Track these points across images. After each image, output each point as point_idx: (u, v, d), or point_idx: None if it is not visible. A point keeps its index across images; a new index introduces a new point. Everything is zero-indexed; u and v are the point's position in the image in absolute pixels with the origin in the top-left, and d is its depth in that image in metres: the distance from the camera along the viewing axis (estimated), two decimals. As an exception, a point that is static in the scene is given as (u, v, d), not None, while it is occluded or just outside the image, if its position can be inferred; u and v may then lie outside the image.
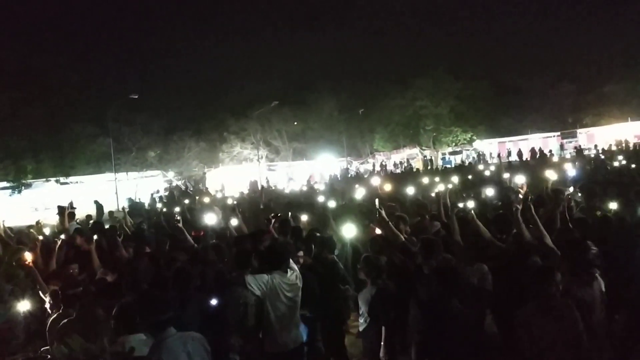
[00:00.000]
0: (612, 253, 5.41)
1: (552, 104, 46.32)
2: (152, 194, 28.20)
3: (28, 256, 6.07)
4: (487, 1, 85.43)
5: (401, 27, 75.98)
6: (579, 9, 65.63)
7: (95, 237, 7.34)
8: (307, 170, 40.91)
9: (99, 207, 20.18)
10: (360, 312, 5.52)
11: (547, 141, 41.36)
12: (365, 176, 29.06)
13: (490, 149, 43.24)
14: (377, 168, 42.14)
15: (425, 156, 45.90)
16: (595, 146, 33.52)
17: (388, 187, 13.34)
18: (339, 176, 35.96)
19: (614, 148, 22.60)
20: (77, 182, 35.06)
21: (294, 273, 4.95)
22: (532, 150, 36.71)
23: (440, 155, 46.54)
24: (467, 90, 45.57)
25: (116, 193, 31.04)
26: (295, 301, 4.91)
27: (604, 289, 4.48)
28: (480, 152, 43.54)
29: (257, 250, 5.88)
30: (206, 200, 18.35)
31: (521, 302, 4.10)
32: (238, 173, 38.44)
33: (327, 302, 6.01)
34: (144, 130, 37.64)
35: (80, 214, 14.53)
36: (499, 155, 37.56)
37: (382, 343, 5.21)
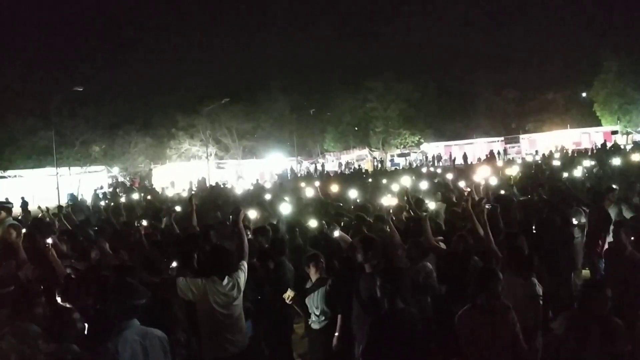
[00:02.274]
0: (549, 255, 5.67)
1: (497, 109, 48.05)
2: (95, 190, 27.32)
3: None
4: (438, 8, 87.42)
5: (353, 30, 76.72)
6: (526, 18, 68.04)
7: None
8: (257, 168, 40.68)
9: (24, 204, 19.74)
10: (316, 311, 5.51)
11: (491, 145, 42.75)
12: (315, 175, 29.16)
13: (437, 152, 44.33)
14: (327, 168, 42.38)
15: (374, 157, 46.56)
16: (536, 152, 34.88)
17: (335, 188, 13.51)
18: (288, 175, 35.95)
19: (555, 154, 23.58)
20: (15, 176, 33.65)
21: (230, 282, 4.84)
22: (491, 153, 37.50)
23: (389, 157, 47.32)
24: (415, 94, 46.58)
25: (57, 188, 29.92)
26: (230, 309, 4.81)
27: (540, 291, 4.68)
28: (426, 155, 44.65)
29: (201, 251, 5.82)
30: (150, 197, 18.01)
31: (462, 301, 4.23)
32: (186, 170, 37.80)
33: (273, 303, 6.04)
34: (88, 124, 36.44)
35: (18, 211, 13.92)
36: (451, 158, 38.49)
37: (336, 334, 5.24)
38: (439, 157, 40.20)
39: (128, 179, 38.48)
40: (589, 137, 38.51)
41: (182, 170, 38.22)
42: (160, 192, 23.00)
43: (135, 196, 18.11)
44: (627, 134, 37.26)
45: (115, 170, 39.37)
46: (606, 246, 6.78)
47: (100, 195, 24.38)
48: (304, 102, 47.19)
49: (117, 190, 27.17)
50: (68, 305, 4.00)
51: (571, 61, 45.44)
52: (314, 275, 5.58)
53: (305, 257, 5.90)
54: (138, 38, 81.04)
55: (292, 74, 50.78)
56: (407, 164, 42.00)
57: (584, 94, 45.13)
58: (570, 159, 18.40)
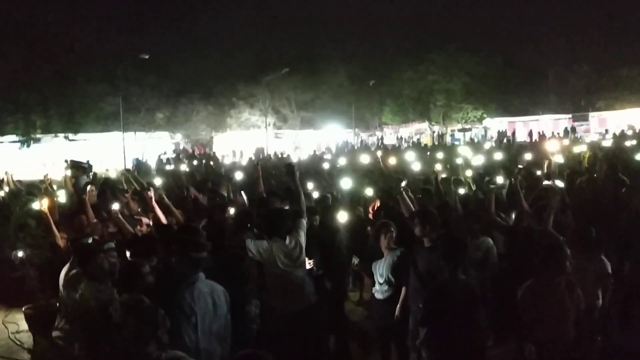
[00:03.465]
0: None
1: (566, 85, 45.86)
2: (159, 156, 28.30)
3: (44, 203, 6.11)
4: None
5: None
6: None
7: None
8: (315, 139, 40.85)
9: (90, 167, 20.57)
10: (381, 279, 5.54)
11: (557, 123, 41.02)
12: (372, 149, 28.98)
13: (500, 127, 42.95)
14: (386, 141, 42.00)
15: (434, 132, 45.71)
16: (606, 131, 33.21)
17: (393, 160, 13.42)
18: (346, 147, 35.92)
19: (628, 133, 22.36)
20: (84, 140, 35.24)
21: (292, 241, 4.99)
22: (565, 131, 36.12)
23: (449, 132, 46.33)
24: (480, 67, 45.09)
25: (124, 153, 31.22)
26: (294, 266, 4.98)
27: (609, 269, 4.54)
28: (486, 130, 43.50)
29: (258, 215, 5.96)
30: (211, 164, 18.51)
31: (524, 278, 4.17)
32: (245, 139, 38.49)
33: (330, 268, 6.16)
34: (153, 91, 37.63)
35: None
36: (513, 134, 37.38)
37: (399, 305, 5.27)
38: (504, 134, 38.92)
39: (190, 145, 39.61)
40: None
41: (242, 139, 38.94)
42: (220, 160, 23.61)
43: (196, 163, 18.66)
44: None
45: (178, 136, 40.55)
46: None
47: (164, 161, 25.26)
48: (363, 73, 46.56)
49: (180, 156, 28.02)
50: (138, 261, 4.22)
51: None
52: (384, 244, 5.55)
53: (375, 226, 5.91)
54: (201, 7, 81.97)
55: (352, 45, 50.07)
56: (469, 139, 41.03)
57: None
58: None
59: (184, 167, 13.97)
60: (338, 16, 63.06)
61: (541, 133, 35.67)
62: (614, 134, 22.67)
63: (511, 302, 4.26)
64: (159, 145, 35.69)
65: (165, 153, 31.00)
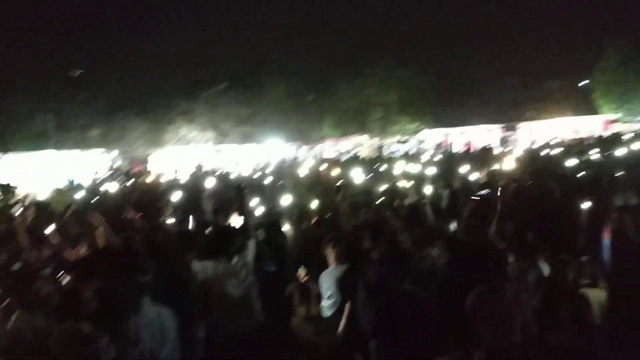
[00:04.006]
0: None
1: (496, 96, 47.94)
2: (93, 175, 27.22)
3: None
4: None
5: (353, 15, 76.17)
6: (526, 5, 67.61)
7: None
8: (256, 154, 40.59)
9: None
10: (327, 294, 5.50)
11: (490, 133, 42.63)
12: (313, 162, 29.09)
13: (436, 138, 44.20)
14: (326, 154, 42.30)
15: (373, 144, 46.48)
16: (535, 141, 34.78)
17: (336, 172, 13.49)
18: (287, 161, 35.87)
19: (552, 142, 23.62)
20: (13, 159, 33.50)
21: (240, 261, 4.89)
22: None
23: (388, 144, 47.24)
24: (414, 80, 46.42)
25: (55, 172, 29.86)
26: (242, 286, 4.87)
27: (547, 274, 4.72)
28: (422, 142, 44.66)
29: (204, 234, 5.83)
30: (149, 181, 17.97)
31: (470, 286, 4.26)
32: (184, 155, 37.72)
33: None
34: (86, 107, 36.37)
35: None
36: (447, 145, 38.49)
37: (342, 320, 5.24)
38: (440, 145, 40.06)
39: (126, 163, 38.44)
40: (588, 126, 38.44)
41: (180, 155, 38.15)
42: (157, 177, 22.98)
43: (133, 181, 18.08)
44: (626, 122, 37.29)
45: (114, 154, 39.29)
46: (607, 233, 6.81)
47: (99, 180, 24.30)
48: (303, 87, 46.90)
49: (116, 174, 27.04)
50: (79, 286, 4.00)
51: (571, 49, 45.44)
52: (331, 257, 5.53)
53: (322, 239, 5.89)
54: (136, 21, 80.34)
55: (292, 59, 50.49)
56: (406, 151, 41.92)
57: (583, 83, 45.00)
58: (573, 148, 18.42)
59: (119, 186, 13.52)
60: (277, 30, 63.41)
61: (476, 143, 36.95)
62: (544, 143, 23.79)
63: (458, 311, 4.34)
64: (93, 163, 34.40)
65: (98, 172, 29.87)
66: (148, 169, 34.66)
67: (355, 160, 24.66)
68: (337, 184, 9.46)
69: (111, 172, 30.41)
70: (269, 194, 11.27)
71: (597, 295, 4.87)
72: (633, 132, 28.44)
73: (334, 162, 20.25)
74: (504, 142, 40.48)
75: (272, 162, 34.19)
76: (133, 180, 18.41)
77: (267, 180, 13.91)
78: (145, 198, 10.92)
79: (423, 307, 4.24)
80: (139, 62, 53.98)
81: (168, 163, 34.35)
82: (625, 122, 37.20)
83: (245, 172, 20.25)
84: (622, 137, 22.02)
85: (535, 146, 22.76)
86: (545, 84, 46.84)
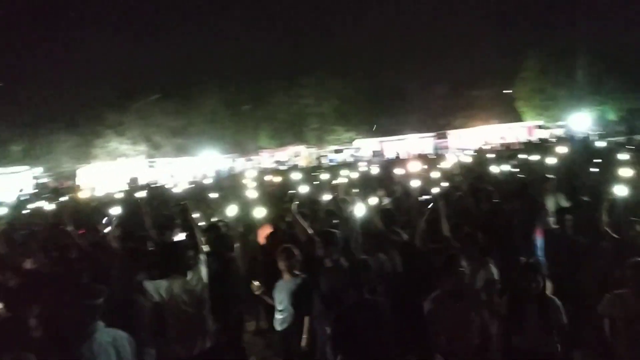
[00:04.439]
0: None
1: (427, 105, 49.48)
2: (18, 193, 25.71)
3: None
4: (366, 5, 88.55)
5: (288, 25, 76.39)
6: (451, 17, 70.26)
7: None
8: (191, 166, 39.72)
9: None
10: (280, 307, 5.36)
11: (423, 141, 43.80)
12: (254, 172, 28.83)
13: (372, 147, 44.96)
14: (264, 165, 42.06)
15: (310, 154, 46.67)
16: (464, 148, 36.05)
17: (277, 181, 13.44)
18: (225, 173, 35.37)
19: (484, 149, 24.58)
20: None
21: (194, 277, 4.70)
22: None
23: (324, 154, 47.58)
24: (349, 90, 47.16)
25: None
26: (198, 304, 4.68)
27: (496, 275, 4.83)
28: (358, 150, 45.30)
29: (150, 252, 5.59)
30: (82, 196, 17.19)
31: (427, 290, 4.29)
32: (114, 170, 36.37)
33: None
34: (6, 121, 34.41)
35: None
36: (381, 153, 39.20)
37: (304, 335, 5.13)
38: (377, 153, 40.80)
39: (52, 180, 36.59)
40: (514, 132, 40.22)
41: (110, 170, 36.76)
42: (89, 194, 22.02)
43: (63, 198, 17.22)
44: (549, 128, 39.37)
45: (39, 170, 37.33)
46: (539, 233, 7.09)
47: (23, 199, 22.98)
48: (238, 98, 46.51)
49: (41, 192, 25.71)
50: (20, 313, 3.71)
51: (496, 59, 47.56)
52: (285, 269, 5.40)
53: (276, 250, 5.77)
54: (61, 30, 76.96)
55: (226, 69, 49.84)
56: (343, 160, 42.35)
57: (507, 91, 47.15)
58: (503, 153, 19.18)
59: (47, 204, 12.83)
60: (211, 40, 62.61)
61: (410, 152, 37.88)
62: (476, 150, 24.66)
63: (415, 315, 4.36)
64: (16, 181, 32.51)
65: (23, 190, 28.26)
66: (77, 184, 33.16)
67: (297, 169, 24.67)
68: (289, 194, 9.37)
69: (37, 189, 28.90)
70: (212, 207, 11.03)
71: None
72: (555, 137, 30.10)
73: (277, 172, 20.11)
74: (436, 149, 41.73)
75: (210, 174, 33.65)
76: (66, 196, 17.50)
77: (207, 193, 13.57)
78: (81, 214, 10.40)
79: (382, 314, 4.23)
80: (64, 72, 51.71)
81: (98, 178, 33.01)
82: (547, 128, 39.25)
83: (182, 186, 19.75)
84: (547, 142, 23.15)
85: (467, 152, 23.54)
86: (473, 93, 48.85)
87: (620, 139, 23.06)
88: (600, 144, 19.44)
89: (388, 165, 20.56)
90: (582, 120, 37.66)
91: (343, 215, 7.79)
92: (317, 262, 5.48)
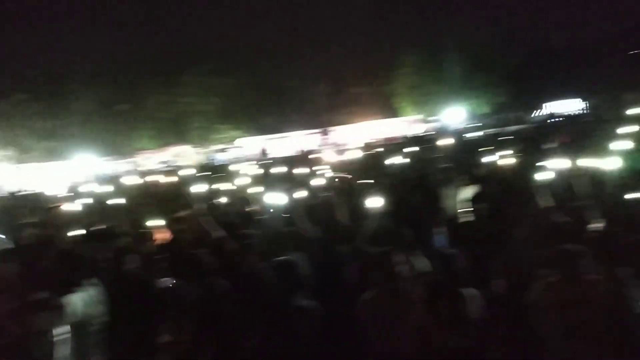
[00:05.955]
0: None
1: (310, 103, 50.02)
2: None
3: None
4: (246, 3, 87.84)
5: (167, 21, 73.52)
6: (333, 16, 71.67)
7: None
8: (64, 170, 36.77)
9: None
10: None
11: (308, 138, 44.25)
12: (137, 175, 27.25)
13: (258, 145, 44.62)
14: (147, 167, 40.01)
15: (195, 154, 45.25)
16: (347, 144, 36.86)
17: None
18: (103, 176, 33.10)
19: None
20: None
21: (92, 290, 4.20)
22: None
23: (209, 153, 46.39)
24: (232, 88, 46.32)
25: None
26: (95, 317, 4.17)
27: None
28: (243, 148, 44.79)
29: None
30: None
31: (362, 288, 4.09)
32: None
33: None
34: None
35: None
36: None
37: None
38: (264, 151, 40.48)
39: None
40: (395, 127, 41.96)
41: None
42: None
43: None
44: (427, 122, 41.61)
45: None
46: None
47: None
48: (114, 97, 43.74)
49: None
50: None
51: (376, 56, 49.11)
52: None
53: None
54: None
55: (99, 67, 46.71)
56: (230, 159, 41.54)
57: (387, 87, 48.96)
58: (391, 147, 19.71)
59: None
60: (83, 37, 58.47)
61: (296, 148, 38.04)
62: (364, 144, 25.20)
63: (347, 317, 4.14)
64: None
65: None
66: None
67: (184, 170, 23.65)
68: (184, 195, 8.81)
69: None
70: (96, 214, 10.08)
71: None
72: (434, 130, 31.80)
73: (163, 173, 19.06)
74: (321, 145, 42.28)
75: (86, 179, 31.30)
76: None
77: (84, 200, 12.39)
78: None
79: (314, 321, 3.95)
80: None
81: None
82: (426, 122, 41.48)
83: (55, 192, 18.04)
84: (429, 136, 24.26)
85: (356, 148, 23.99)
86: (353, 90, 50.19)
87: (493, 130, 24.84)
88: (475, 136, 20.76)
89: (292, 162, 20.30)
90: (456, 115, 40.22)
91: (249, 215, 7.45)
92: (230, 267, 5.09)
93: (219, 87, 45.56)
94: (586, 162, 7.34)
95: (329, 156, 17.71)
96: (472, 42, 43.28)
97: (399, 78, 46.35)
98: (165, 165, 41.52)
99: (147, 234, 7.98)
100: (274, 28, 69.11)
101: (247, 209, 8.29)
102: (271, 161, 24.82)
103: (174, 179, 14.91)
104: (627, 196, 5.61)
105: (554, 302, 3.62)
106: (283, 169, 13.98)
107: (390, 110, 47.52)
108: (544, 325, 3.71)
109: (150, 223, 7.82)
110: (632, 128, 10.26)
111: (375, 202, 6.23)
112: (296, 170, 13.30)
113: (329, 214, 6.41)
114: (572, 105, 40.32)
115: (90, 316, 4.57)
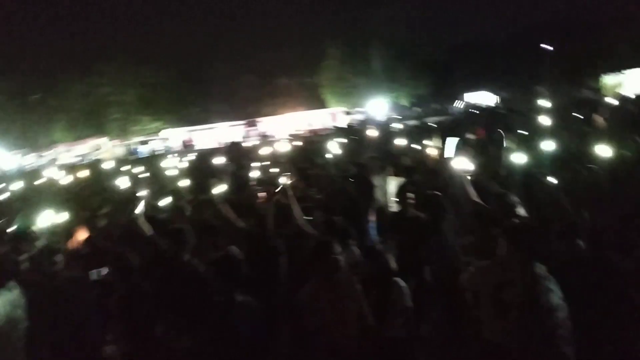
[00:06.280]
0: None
1: (235, 94, 49.37)
2: None
3: None
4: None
5: (83, 10, 69.85)
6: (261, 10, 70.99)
7: None
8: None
9: None
10: None
11: (234, 129, 43.62)
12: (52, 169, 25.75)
13: (180, 137, 43.49)
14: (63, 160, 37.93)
15: (114, 146, 43.39)
16: (273, 134, 36.74)
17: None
18: (13, 171, 31.06)
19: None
20: None
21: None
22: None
23: (129, 145, 44.70)
24: (154, 78, 44.79)
25: None
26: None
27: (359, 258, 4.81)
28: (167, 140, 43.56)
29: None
30: None
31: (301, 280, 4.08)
32: None
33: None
34: None
35: None
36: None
37: None
38: (187, 143, 39.49)
39: None
40: (320, 118, 42.16)
41: None
42: None
43: None
44: (351, 113, 42.17)
45: None
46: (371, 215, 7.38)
47: None
48: (25, 87, 41.02)
49: None
50: None
51: (300, 49, 49.29)
52: None
53: None
54: None
55: (9, 54, 43.73)
56: (151, 151, 40.23)
57: (311, 79, 49.16)
58: (322, 139, 19.72)
59: None
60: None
61: (222, 139, 37.40)
62: (290, 135, 25.17)
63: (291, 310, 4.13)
64: None
65: None
66: None
67: (102, 163, 22.68)
68: (103, 190, 8.42)
69: None
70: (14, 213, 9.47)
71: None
72: (358, 122, 32.24)
73: (79, 167, 18.12)
74: (246, 137, 41.81)
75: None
76: None
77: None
78: None
79: (258, 317, 3.90)
80: None
81: None
82: (349, 114, 42.02)
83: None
84: (354, 127, 24.50)
85: (284, 139, 23.91)
86: (279, 81, 50.08)
87: (414, 122, 25.50)
88: (399, 127, 21.18)
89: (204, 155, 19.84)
90: (379, 106, 41.01)
91: (179, 210, 7.23)
92: (162, 265, 4.95)
93: (140, 76, 43.89)
94: (502, 151, 7.73)
95: (259, 148, 17.55)
96: (396, 36, 44.27)
97: (324, 70, 46.64)
98: (82, 158, 39.64)
99: (67, 232, 7.62)
100: (199, 18, 67.53)
101: (175, 204, 8.04)
102: (196, 153, 24.32)
103: (92, 173, 14.26)
104: (540, 182, 5.96)
105: (484, 285, 3.78)
106: (211, 161, 13.68)
107: (315, 102, 47.73)
108: (476, 308, 3.85)
109: (66, 221, 7.43)
110: (541, 119, 10.88)
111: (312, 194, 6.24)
112: (223, 162, 13.07)
113: (263, 205, 6.36)
114: (488, 97, 42.13)
115: (13, 320, 4.31)
